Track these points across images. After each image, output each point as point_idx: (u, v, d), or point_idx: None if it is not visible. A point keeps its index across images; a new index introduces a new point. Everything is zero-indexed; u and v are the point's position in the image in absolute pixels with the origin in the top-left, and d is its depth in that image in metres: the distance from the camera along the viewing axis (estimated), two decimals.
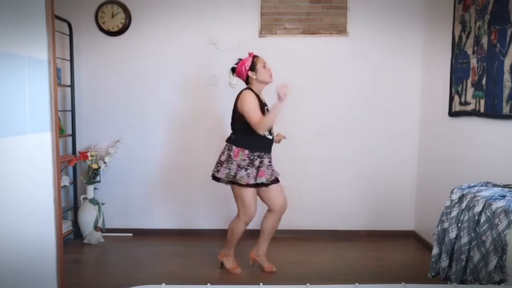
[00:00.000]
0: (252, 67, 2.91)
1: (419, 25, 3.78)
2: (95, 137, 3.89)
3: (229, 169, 2.86)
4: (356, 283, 1.33)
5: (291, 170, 3.67)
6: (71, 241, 3.75)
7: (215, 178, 2.97)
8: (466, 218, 2.05)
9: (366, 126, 3.87)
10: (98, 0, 3.79)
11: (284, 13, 3.80)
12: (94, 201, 3.77)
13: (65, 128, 3.80)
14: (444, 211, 2.23)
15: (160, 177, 3.93)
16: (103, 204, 3.85)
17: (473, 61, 2.85)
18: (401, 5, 3.77)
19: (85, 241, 3.70)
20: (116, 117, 3.89)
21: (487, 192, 2.03)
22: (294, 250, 3.58)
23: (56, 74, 2.27)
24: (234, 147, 2.87)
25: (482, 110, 2.73)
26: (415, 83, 3.84)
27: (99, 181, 3.83)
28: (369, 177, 3.90)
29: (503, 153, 2.54)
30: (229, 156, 2.87)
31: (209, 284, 1.32)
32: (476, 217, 1.97)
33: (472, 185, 2.23)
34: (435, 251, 2.26)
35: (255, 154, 2.86)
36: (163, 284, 1.30)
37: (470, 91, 2.89)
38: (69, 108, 3.78)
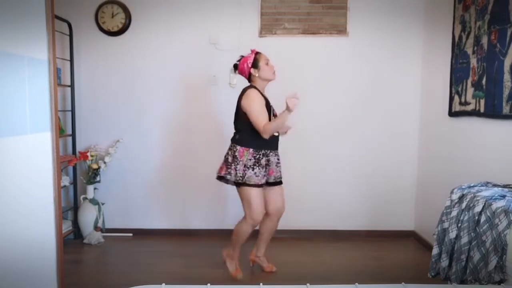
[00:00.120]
0: (255, 64, 2.84)
1: (419, 25, 3.78)
2: (95, 137, 3.89)
3: (236, 170, 2.78)
4: (356, 283, 1.33)
5: (291, 170, 3.67)
6: (71, 241, 3.75)
7: (222, 178, 2.88)
8: (466, 218, 2.05)
9: (366, 126, 3.87)
10: (98, 0, 3.79)
11: (284, 13, 3.80)
12: (94, 201, 3.77)
13: (65, 128, 3.80)
14: (444, 211, 2.23)
15: (160, 177, 3.93)
16: (103, 204, 3.85)
17: (473, 61, 2.85)
18: (401, 5, 3.77)
19: (85, 241, 3.70)
20: (116, 117, 3.89)
21: (487, 192, 2.03)
22: (294, 250, 3.58)
23: (56, 74, 2.27)
24: (238, 147, 2.81)
25: (482, 110, 2.73)
26: (415, 83, 3.84)
27: (99, 181, 3.83)
28: (369, 177, 3.90)
29: (503, 153, 2.54)
30: (235, 156, 2.80)
31: (209, 284, 1.32)
32: (476, 217, 1.97)
33: (472, 185, 2.23)
34: (435, 251, 2.26)
35: (260, 152, 2.80)
36: (163, 284, 1.30)
37: (470, 91, 2.89)
38: (69, 108, 3.78)
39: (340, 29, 3.81)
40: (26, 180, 1.96)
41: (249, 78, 2.90)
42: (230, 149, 2.87)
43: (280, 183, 2.96)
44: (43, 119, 2.11)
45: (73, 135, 3.78)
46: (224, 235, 3.82)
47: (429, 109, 3.67)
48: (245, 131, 2.82)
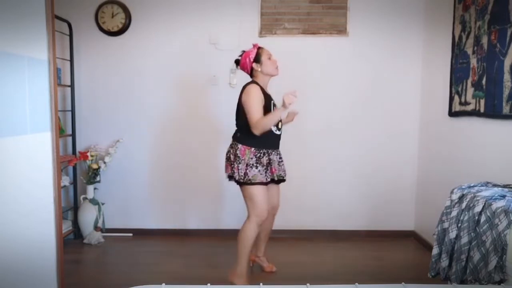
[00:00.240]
0: (257, 59, 2.77)
1: (419, 25, 3.78)
2: (95, 137, 3.89)
3: (238, 169, 2.71)
4: (356, 283, 1.33)
5: (291, 170, 3.66)
6: (71, 241, 3.75)
7: (231, 178, 2.82)
8: (466, 218, 2.05)
9: (366, 126, 3.87)
10: (98, 0, 3.79)
11: (284, 13, 3.80)
12: (94, 201, 3.77)
13: (65, 128, 3.80)
14: (444, 211, 2.23)
15: (160, 177, 3.93)
16: (103, 204, 3.85)
17: (473, 61, 2.85)
18: (401, 5, 3.77)
19: (85, 241, 3.70)
20: (116, 117, 3.89)
21: (487, 192, 2.03)
22: (294, 250, 3.58)
23: (56, 74, 2.27)
24: (240, 145, 2.73)
25: (482, 110, 2.73)
26: (415, 83, 3.84)
27: (99, 181, 3.83)
28: (369, 177, 3.90)
29: (503, 153, 2.54)
30: (236, 155, 2.73)
31: (209, 284, 1.32)
32: (476, 217, 1.97)
33: (472, 185, 2.23)
34: (435, 251, 2.26)
35: (261, 151, 2.73)
36: (163, 284, 1.30)
37: (470, 91, 2.89)
38: (69, 108, 3.78)
39: (340, 29, 3.81)
40: (26, 180, 1.96)
41: (251, 73, 2.83)
42: (231, 147, 2.80)
43: (283, 181, 2.91)
44: (43, 119, 2.11)
45: (73, 135, 3.78)
46: (224, 235, 3.83)
47: (429, 109, 3.67)
48: (247, 129, 2.72)
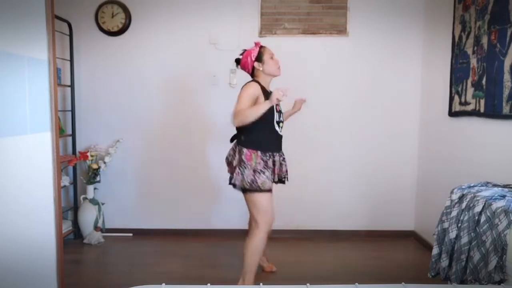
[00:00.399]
0: (259, 58, 2.67)
1: (419, 25, 3.78)
2: (95, 137, 3.89)
3: (244, 175, 2.55)
4: (356, 283, 1.33)
5: (291, 170, 3.66)
6: (71, 241, 3.75)
7: (233, 184, 2.65)
8: (466, 218, 2.05)
9: (366, 126, 3.87)
10: (98, 0, 3.79)
11: (284, 13, 3.80)
12: (94, 201, 3.77)
13: (65, 128, 3.80)
14: (444, 211, 2.23)
15: (160, 177, 3.93)
16: (103, 204, 3.85)
17: (473, 61, 2.85)
18: (401, 5, 3.77)
19: (85, 241, 3.70)
20: (116, 117, 3.89)
21: (487, 192, 2.03)
22: (294, 250, 3.58)
23: (56, 74, 2.27)
24: (245, 150, 2.57)
25: (482, 110, 2.73)
26: (415, 83, 3.84)
27: (99, 181, 3.83)
28: (369, 177, 3.90)
29: (503, 153, 2.54)
30: (241, 160, 2.57)
31: (209, 284, 1.32)
32: (476, 217, 1.97)
33: (472, 185, 2.23)
34: (435, 251, 2.26)
35: (267, 154, 2.61)
36: (163, 284, 1.30)
37: (470, 91, 2.89)
38: (69, 108, 3.78)
39: (340, 29, 3.81)
40: (26, 180, 1.96)
41: (252, 73, 2.73)
42: (234, 151, 2.65)
43: (282, 182, 2.81)
44: (43, 119, 2.11)
45: (73, 135, 3.78)
46: (224, 235, 3.83)
47: (429, 109, 3.67)
48: (251, 131, 2.58)
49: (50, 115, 2.15)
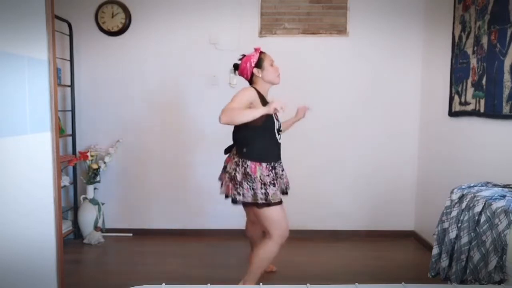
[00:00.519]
0: (259, 64, 2.56)
1: (419, 25, 3.78)
2: (95, 137, 3.89)
3: (254, 189, 2.44)
4: (356, 283, 1.33)
5: (291, 170, 3.66)
6: (71, 241, 3.75)
7: (235, 201, 2.53)
8: (466, 218, 2.05)
9: (366, 126, 3.87)
10: (98, 0, 3.79)
11: (284, 13, 3.80)
12: (94, 201, 3.77)
13: (65, 128, 3.80)
14: (444, 211, 2.23)
15: (160, 177, 3.93)
16: (103, 204, 3.85)
17: (473, 61, 2.85)
18: (401, 5, 3.77)
19: (85, 241, 3.70)
20: (116, 117, 3.89)
21: (487, 192, 2.03)
22: (294, 250, 3.58)
23: (56, 74, 2.27)
24: (249, 162, 2.46)
25: (482, 110, 2.73)
26: (415, 83, 3.84)
27: (99, 181, 3.83)
28: (369, 177, 3.90)
29: (503, 153, 2.54)
30: (246, 173, 2.45)
31: (209, 284, 1.32)
32: (476, 217, 1.97)
33: (472, 185, 2.23)
34: (435, 251, 2.26)
35: (271, 165, 2.51)
36: (163, 284, 1.30)
37: (470, 91, 2.89)
38: (69, 108, 3.78)
39: (340, 29, 3.81)
40: (26, 180, 1.96)
41: (251, 79, 2.63)
42: (237, 164, 2.50)
43: (285, 193, 2.72)
44: (43, 119, 2.11)
45: (73, 135, 3.78)
46: (224, 235, 3.83)
47: (429, 109, 3.67)
48: (254, 143, 2.50)
49: (50, 115, 2.15)
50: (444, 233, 2.21)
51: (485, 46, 2.69)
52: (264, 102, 2.54)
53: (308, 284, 1.33)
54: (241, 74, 2.66)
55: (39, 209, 2.08)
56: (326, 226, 3.92)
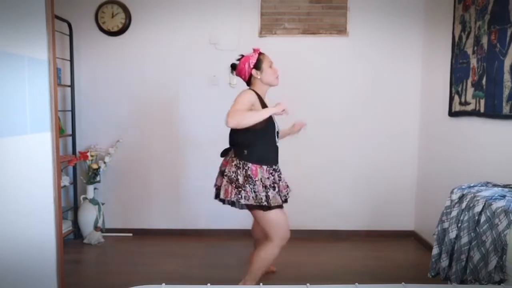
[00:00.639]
0: (257, 65, 2.53)
1: (419, 25, 3.78)
2: (95, 137, 3.89)
3: (255, 191, 2.41)
4: (356, 283, 1.33)
5: (291, 170, 3.66)
6: (71, 241, 3.75)
7: (230, 203, 2.54)
8: (466, 218, 2.05)
9: (366, 126, 3.87)
10: (98, 0, 3.79)
11: (284, 13, 3.80)
12: (94, 201, 3.77)
13: (65, 128, 3.80)
14: (444, 211, 2.23)
15: (160, 177, 3.93)
16: (103, 204, 3.85)
17: (473, 61, 2.85)
18: (401, 5, 3.77)
19: (85, 241, 3.70)
20: (116, 117, 3.89)
21: (487, 192, 2.03)
22: (294, 250, 3.57)
23: (56, 74, 2.27)
24: (250, 165, 2.43)
25: (482, 110, 2.73)
26: (415, 83, 3.84)
27: (99, 181, 3.83)
28: (369, 177, 3.90)
29: (503, 153, 2.54)
30: (248, 176, 2.43)
31: (209, 284, 1.32)
32: (476, 217, 1.97)
33: (472, 185, 2.23)
34: (435, 251, 2.26)
35: (272, 167, 2.49)
36: (163, 284, 1.30)
37: (470, 91, 2.89)
38: (69, 108, 3.78)
39: (340, 29, 3.81)
40: (26, 180, 1.96)
41: (249, 80, 2.60)
42: (237, 167, 2.46)
43: (285, 201, 2.66)
44: (43, 119, 2.11)
45: (73, 135, 3.78)
46: (224, 235, 3.83)
47: (429, 109, 3.67)
48: (255, 145, 2.47)
49: (50, 115, 2.16)
50: (444, 233, 2.21)
51: (485, 46, 2.69)
52: (262, 103, 2.52)
53: (308, 284, 1.33)
54: (238, 75, 2.63)
55: (39, 209, 2.08)
56: (326, 226, 3.92)
